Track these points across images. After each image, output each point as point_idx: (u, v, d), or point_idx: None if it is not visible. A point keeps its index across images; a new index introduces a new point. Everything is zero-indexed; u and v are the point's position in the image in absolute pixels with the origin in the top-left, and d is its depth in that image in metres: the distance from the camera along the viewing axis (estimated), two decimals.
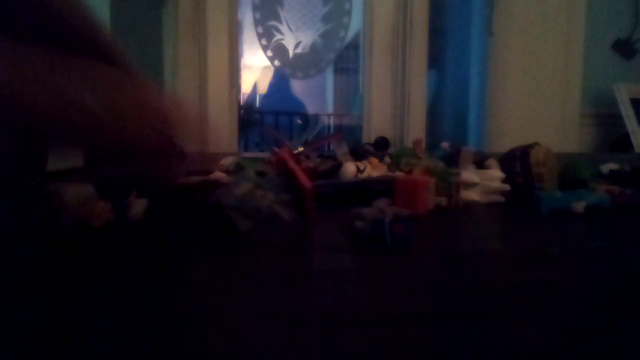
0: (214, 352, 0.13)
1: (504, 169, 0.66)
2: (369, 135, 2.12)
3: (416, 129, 2.14)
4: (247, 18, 2.37)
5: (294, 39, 2.35)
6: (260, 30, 2.31)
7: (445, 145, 0.83)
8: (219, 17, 2.03)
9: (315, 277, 0.20)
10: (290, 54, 2.36)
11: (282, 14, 2.32)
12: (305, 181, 0.28)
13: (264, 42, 2.32)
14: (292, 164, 0.30)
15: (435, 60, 2.37)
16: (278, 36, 2.33)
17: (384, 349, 0.13)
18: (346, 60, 2.79)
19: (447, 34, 2.58)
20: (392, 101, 2.17)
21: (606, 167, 0.79)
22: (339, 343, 0.13)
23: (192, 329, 0.14)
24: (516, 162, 0.65)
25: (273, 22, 2.32)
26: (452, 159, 0.70)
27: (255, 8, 2.29)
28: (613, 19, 2.18)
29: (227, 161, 0.73)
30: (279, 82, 2.73)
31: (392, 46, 2.15)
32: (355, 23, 2.35)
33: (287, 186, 0.31)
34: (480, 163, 0.71)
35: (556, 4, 2.05)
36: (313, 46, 2.37)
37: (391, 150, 1.41)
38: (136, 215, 0.35)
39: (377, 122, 2.18)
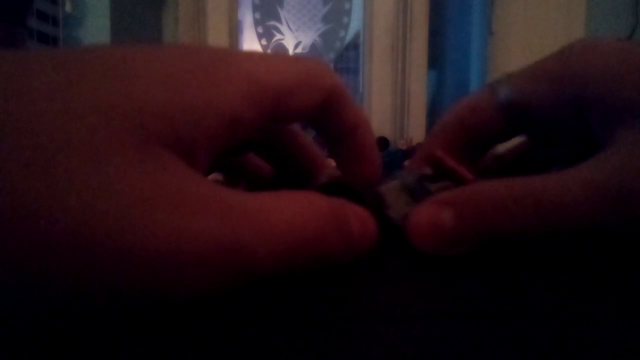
0: (214, 352, 0.13)
1: None
2: None
3: (416, 129, 2.15)
4: (247, 18, 2.37)
5: (294, 39, 2.35)
6: (260, 30, 2.31)
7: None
8: (219, 17, 2.04)
9: (319, 278, 0.20)
10: (291, 54, 2.36)
11: (282, 14, 2.32)
12: (468, 176, 0.28)
13: (264, 42, 2.32)
14: (450, 162, 0.29)
15: (435, 60, 2.37)
16: (278, 36, 2.33)
17: (386, 349, 0.13)
18: (346, 60, 2.79)
19: (447, 34, 2.58)
20: (392, 101, 2.18)
21: None
22: (340, 343, 0.13)
23: (190, 329, 0.14)
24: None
25: (273, 22, 2.32)
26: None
27: (255, 8, 2.29)
28: (613, 19, 2.18)
29: None
30: None
31: (392, 46, 2.15)
32: (355, 23, 2.35)
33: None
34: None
35: (556, 4, 2.05)
36: (313, 46, 2.37)
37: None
38: None
39: (377, 122, 2.18)
